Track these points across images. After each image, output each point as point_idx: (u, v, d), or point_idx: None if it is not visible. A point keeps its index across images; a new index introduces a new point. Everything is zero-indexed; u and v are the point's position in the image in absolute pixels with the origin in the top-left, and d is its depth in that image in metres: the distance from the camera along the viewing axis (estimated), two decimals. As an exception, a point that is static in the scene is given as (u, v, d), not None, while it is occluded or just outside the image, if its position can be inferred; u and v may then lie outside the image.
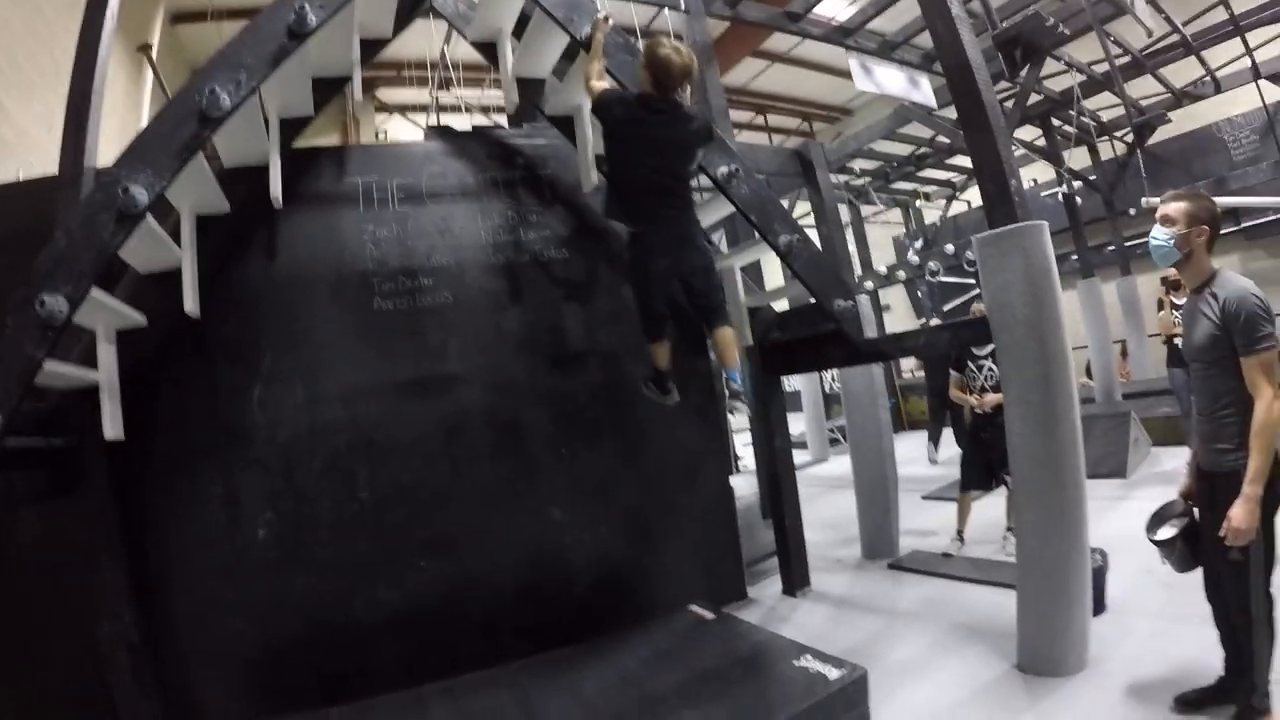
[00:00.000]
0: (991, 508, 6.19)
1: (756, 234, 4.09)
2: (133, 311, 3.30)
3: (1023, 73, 6.91)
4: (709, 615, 3.82)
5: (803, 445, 11.66)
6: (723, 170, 3.74)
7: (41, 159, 5.96)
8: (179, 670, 3.46)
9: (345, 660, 3.58)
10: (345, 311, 3.83)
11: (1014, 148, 3.69)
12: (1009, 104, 6.79)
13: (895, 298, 14.20)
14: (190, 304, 3.34)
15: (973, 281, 12.30)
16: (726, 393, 3.64)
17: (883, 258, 12.85)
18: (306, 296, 3.77)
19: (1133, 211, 9.82)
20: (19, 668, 3.44)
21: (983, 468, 5.18)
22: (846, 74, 7.79)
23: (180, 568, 3.51)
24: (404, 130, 12.09)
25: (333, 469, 3.69)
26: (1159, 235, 2.64)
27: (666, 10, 5.76)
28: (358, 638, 3.60)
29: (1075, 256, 9.99)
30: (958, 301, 11.91)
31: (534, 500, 3.95)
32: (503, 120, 7.34)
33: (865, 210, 11.97)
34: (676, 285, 3.51)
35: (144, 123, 7.41)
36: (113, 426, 3.18)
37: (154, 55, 7.80)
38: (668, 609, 3.90)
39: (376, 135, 11.33)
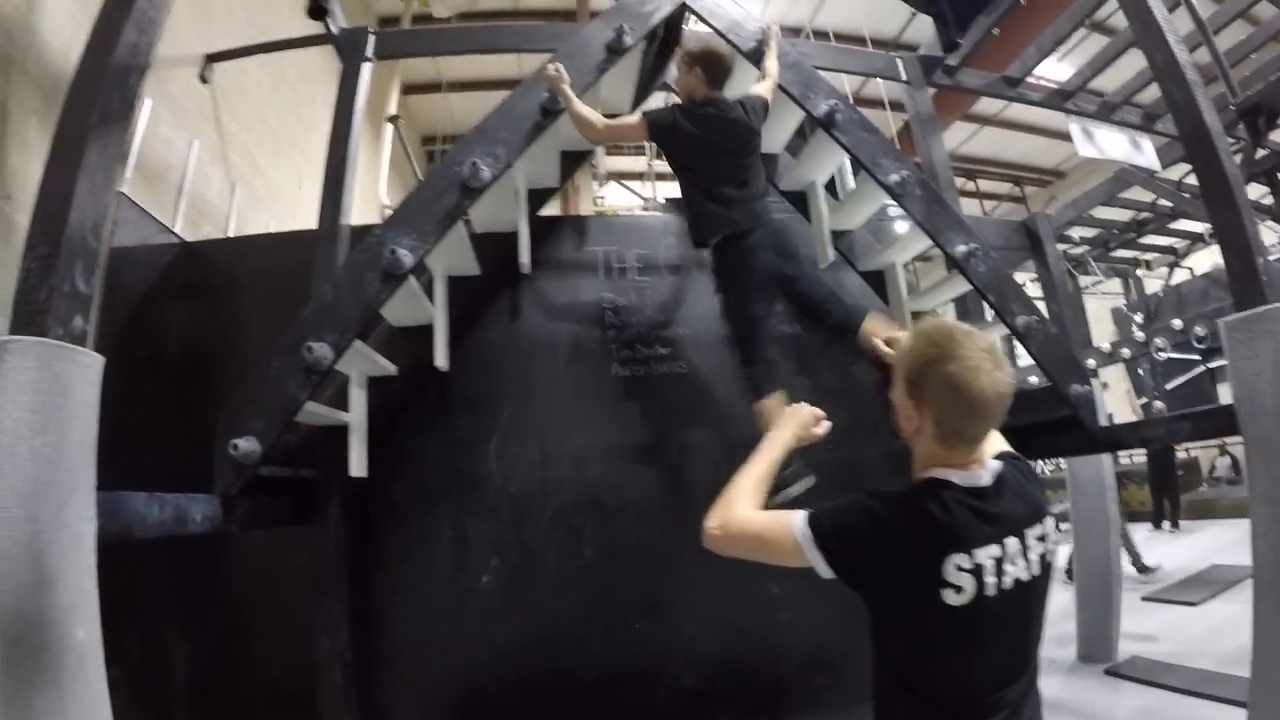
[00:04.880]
0: (1214, 615, 5.67)
1: (991, 316, 3.92)
2: (386, 361, 3.56)
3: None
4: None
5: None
6: (961, 249, 3.62)
7: (291, 211, 6.58)
8: (386, 695, 3.65)
9: (549, 711, 3.66)
10: (583, 375, 3.97)
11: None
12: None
13: (1112, 375, 13.28)
14: (440, 359, 3.56)
15: (1198, 358, 11.38)
16: None
17: (1100, 331, 12.09)
18: (546, 358, 3.94)
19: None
20: (237, 667, 3.80)
21: None
22: (1058, 135, 7.42)
23: (402, 601, 3.73)
24: (620, 197, 12.56)
25: (560, 524, 3.81)
26: None
27: (880, 80, 5.71)
28: (565, 691, 3.67)
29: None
30: (1181, 380, 11.00)
31: (753, 573, 3.77)
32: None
33: (1083, 281, 11.29)
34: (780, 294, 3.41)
35: (383, 184, 8.09)
36: (358, 465, 3.44)
37: (400, 125, 8.45)
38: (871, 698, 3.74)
39: (594, 202, 11.86)
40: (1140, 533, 9.60)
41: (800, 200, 4.23)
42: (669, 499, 3.89)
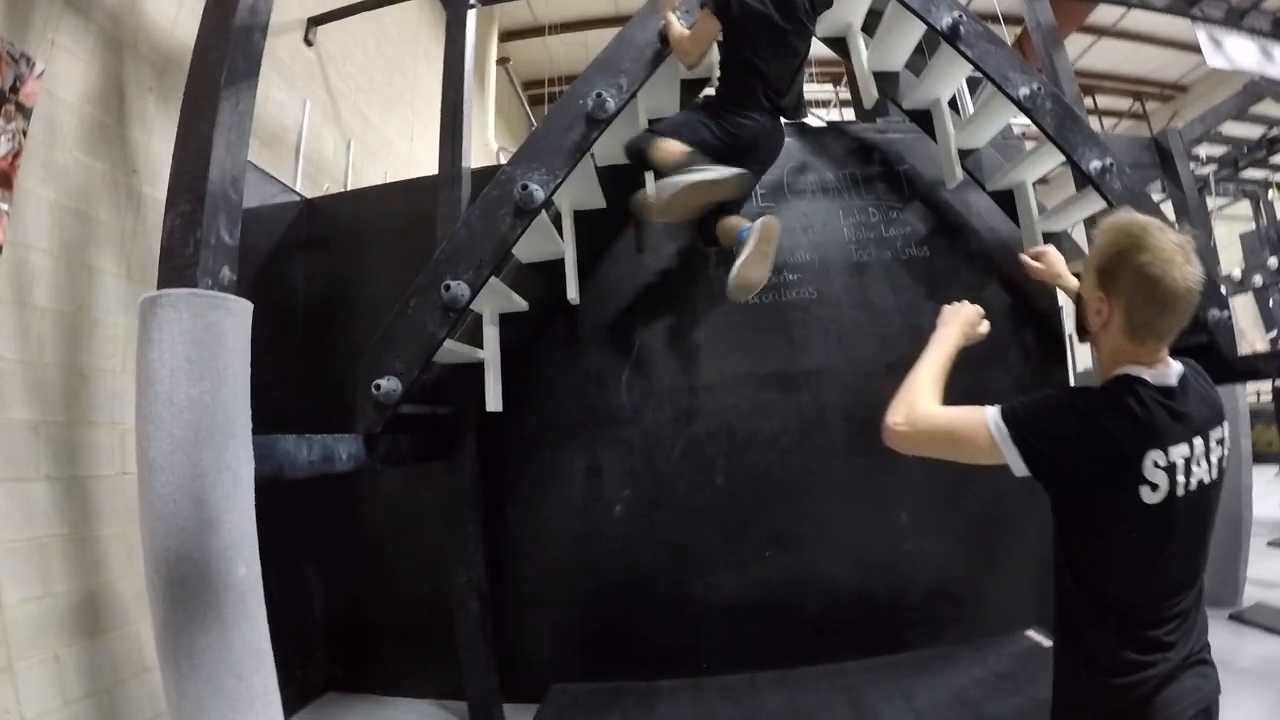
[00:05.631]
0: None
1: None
2: (518, 298, 3.64)
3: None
4: (1046, 643, 3.58)
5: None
6: (1095, 165, 3.47)
7: (404, 163, 6.75)
8: (519, 624, 3.81)
9: (678, 637, 3.73)
10: (712, 304, 3.94)
11: None
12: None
13: (1237, 305, 12.47)
14: (572, 293, 3.63)
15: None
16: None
17: (1228, 258, 11.36)
18: (675, 289, 3.94)
19: None
20: (370, 598, 4.04)
21: None
22: (1179, 45, 6.82)
23: (535, 532, 3.86)
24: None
25: (692, 455, 3.83)
26: None
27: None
28: (693, 618, 3.73)
29: None
30: (1314, 314, 10.27)
31: (881, 502, 3.85)
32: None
33: (1210, 203, 10.58)
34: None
35: (490, 129, 8.20)
36: (494, 400, 3.54)
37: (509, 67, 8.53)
38: (996, 631, 3.73)
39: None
40: (1267, 474, 9.09)
41: (924, 119, 4.09)
42: (801, 426, 3.87)
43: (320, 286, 4.37)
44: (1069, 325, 4.08)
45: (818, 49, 4.07)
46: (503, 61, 8.29)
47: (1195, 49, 5.56)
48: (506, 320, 3.73)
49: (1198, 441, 1.38)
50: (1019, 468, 1.41)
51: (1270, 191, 11.38)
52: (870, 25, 4.06)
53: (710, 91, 3.71)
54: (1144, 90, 13.43)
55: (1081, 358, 4.29)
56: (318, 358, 4.15)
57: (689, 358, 3.89)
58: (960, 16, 3.49)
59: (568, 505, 3.83)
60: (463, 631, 3.60)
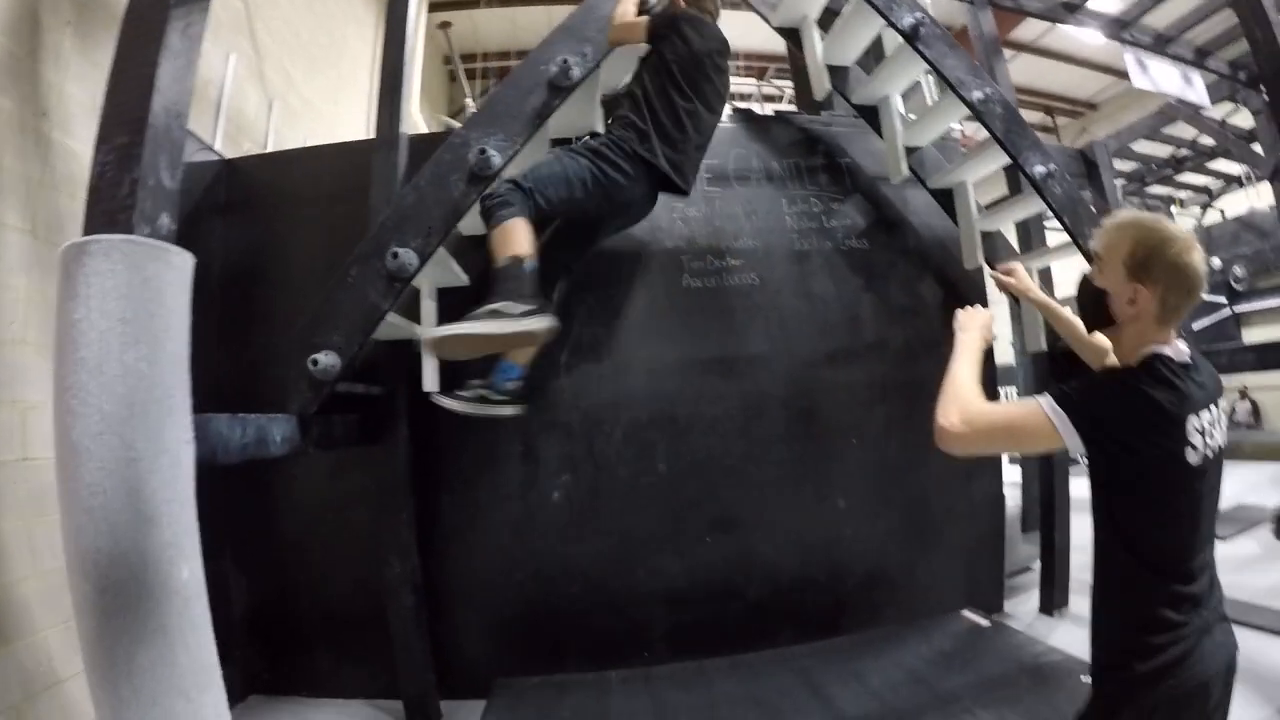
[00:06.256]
0: (1245, 550, 5.71)
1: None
2: (460, 270, 3.49)
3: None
4: (984, 622, 3.73)
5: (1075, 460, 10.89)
6: (1039, 170, 3.57)
7: (327, 127, 6.45)
8: (455, 615, 3.65)
9: (622, 625, 3.67)
10: (654, 286, 3.88)
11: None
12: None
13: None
14: (520, 268, 3.46)
15: (1224, 301, 11.28)
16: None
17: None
18: (617, 268, 3.84)
19: None
20: (295, 592, 3.80)
21: None
22: (1094, 66, 7.01)
23: (472, 519, 3.71)
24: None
25: (633, 439, 3.76)
26: None
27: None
28: (635, 605, 3.68)
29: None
30: (1209, 321, 10.93)
31: (821, 488, 3.89)
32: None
33: (1117, 216, 11.12)
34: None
35: (414, 101, 7.94)
36: (431, 379, 3.38)
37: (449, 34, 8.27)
38: (932, 613, 3.84)
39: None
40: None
41: (869, 114, 4.13)
42: (742, 412, 3.86)
43: (239, 253, 4.03)
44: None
45: (742, 41, 4.05)
46: (444, 26, 8.03)
47: (1108, 70, 5.78)
48: (443, 295, 3.54)
49: (1214, 408, 1.54)
50: (1076, 447, 1.51)
51: (1172, 207, 12.03)
52: (824, 22, 4.09)
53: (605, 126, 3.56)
54: (1056, 106, 14.01)
55: (1001, 352, 4.40)
56: (235, 331, 3.83)
57: (630, 341, 3.81)
58: (921, 18, 3.54)
59: (504, 492, 3.69)
60: (396, 626, 3.38)
